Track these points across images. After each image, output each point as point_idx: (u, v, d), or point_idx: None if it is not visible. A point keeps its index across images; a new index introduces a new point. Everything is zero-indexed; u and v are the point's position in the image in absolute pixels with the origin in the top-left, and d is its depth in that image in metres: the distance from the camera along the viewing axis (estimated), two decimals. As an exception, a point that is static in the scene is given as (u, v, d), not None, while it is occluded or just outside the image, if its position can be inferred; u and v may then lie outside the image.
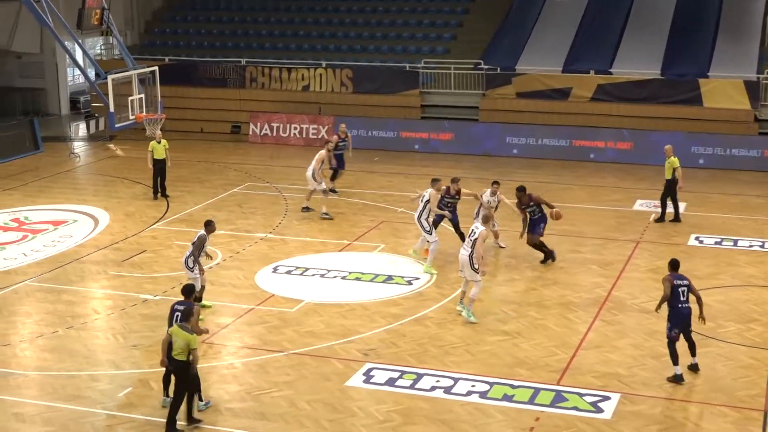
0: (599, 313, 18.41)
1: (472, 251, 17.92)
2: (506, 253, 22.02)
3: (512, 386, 15.39)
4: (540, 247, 21.35)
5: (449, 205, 21.55)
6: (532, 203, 21.18)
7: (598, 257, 21.85)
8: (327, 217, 24.78)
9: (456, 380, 15.60)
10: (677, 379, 15.33)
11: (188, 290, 14.91)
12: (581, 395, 15.06)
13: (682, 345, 15.49)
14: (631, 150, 31.39)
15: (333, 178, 27.30)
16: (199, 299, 17.94)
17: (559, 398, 14.99)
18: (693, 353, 15.64)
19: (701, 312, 15.44)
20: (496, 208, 21.92)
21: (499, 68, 34.07)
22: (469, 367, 16.10)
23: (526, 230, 21.29)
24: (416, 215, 21.07)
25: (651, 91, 32.33)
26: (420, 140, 33.51)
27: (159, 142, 26.86)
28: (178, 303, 14.77)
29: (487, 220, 18.77)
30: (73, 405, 14.97)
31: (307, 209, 25.34)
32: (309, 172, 24.94)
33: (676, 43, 33.81)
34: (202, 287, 18.06)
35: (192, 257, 17.80)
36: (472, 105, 34.30)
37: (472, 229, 18.31)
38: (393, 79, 35.08)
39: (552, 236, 23.04)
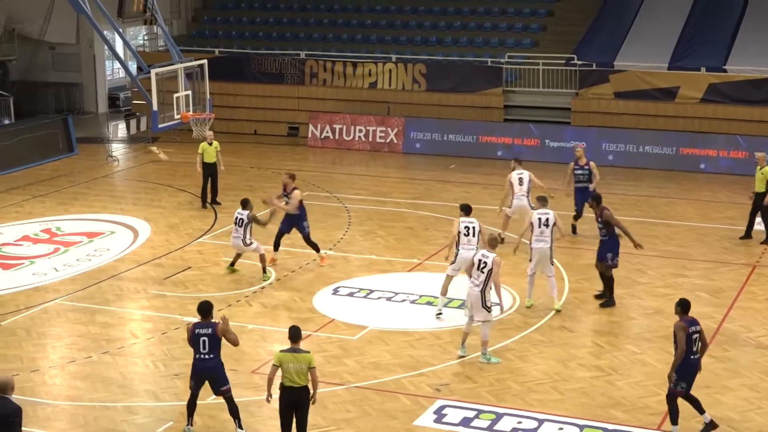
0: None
1: (485, 286, 17.30)
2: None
3: (606, 430, 15.29)
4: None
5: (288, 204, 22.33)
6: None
7: (707, 283, 21.60)
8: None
9: (541, 422, 15.54)
10: None
11: (206, 308, 14.80)
12: (686, 442, 14.94)
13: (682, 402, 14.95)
14: (747, 160, 30.96)
15: (577, 217, 24.52)
16: (265, 269, 21.66)
17: (660, 445, 14.90)
18: (701, 410, 14.92)
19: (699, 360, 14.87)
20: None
21: (594, 64, 33.93)
22: (556, 407, 16.02)
23: None
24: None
25: (772, 92, 32.00)
26: (502, 146, 33.45)
27: (210, 144, 27.19)
28: (199, 326, 14.64)
29: (494, 243, 17.74)
30: (108, 440, 15.21)
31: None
32: (525, 201, 23.15)
33: (802, 37, 33.40)
34: (262, 255, 21.58)
35: (244, 235, 21.35)
36: (563, 106, 34.19)
37: (480, 259, 17.49)
38: (472, 75, 35.11)
39: (655, 258, 22.84)
